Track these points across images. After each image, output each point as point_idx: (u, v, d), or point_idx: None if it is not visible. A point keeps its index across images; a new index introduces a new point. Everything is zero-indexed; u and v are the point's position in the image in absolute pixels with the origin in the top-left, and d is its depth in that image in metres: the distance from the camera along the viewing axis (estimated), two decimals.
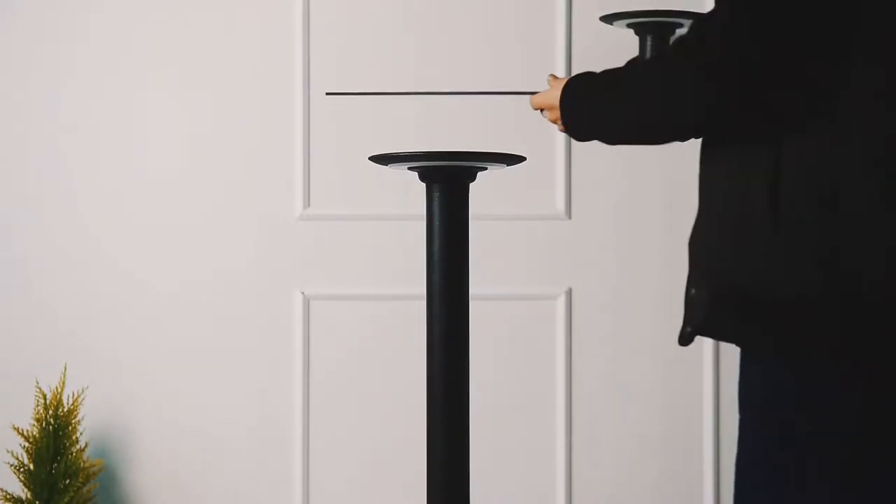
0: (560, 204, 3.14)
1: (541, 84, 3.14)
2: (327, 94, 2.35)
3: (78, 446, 3.04)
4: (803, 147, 1.66)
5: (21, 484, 3.02)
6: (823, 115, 1.66)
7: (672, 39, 3.03)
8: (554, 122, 1.97)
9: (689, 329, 1.77)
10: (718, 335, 1.76)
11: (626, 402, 3.15)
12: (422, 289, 2.23)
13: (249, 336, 3.16)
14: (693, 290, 1.79)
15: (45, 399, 3.02)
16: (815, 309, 1.64)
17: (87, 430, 3.14)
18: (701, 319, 1.74)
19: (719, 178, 1.74)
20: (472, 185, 2.22)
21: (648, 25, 2.99)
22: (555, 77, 2.01)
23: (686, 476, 3.14)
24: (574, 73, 3.11)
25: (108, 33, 3.17)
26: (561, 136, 3.11)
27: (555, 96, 1.93)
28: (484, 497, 3.03)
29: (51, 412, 3.00)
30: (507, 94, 2.12)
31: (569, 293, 3.15)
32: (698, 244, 1.78)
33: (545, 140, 3.12)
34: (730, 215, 1.71)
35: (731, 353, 3.02)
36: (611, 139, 1.87)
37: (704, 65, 1.65)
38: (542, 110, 2.01)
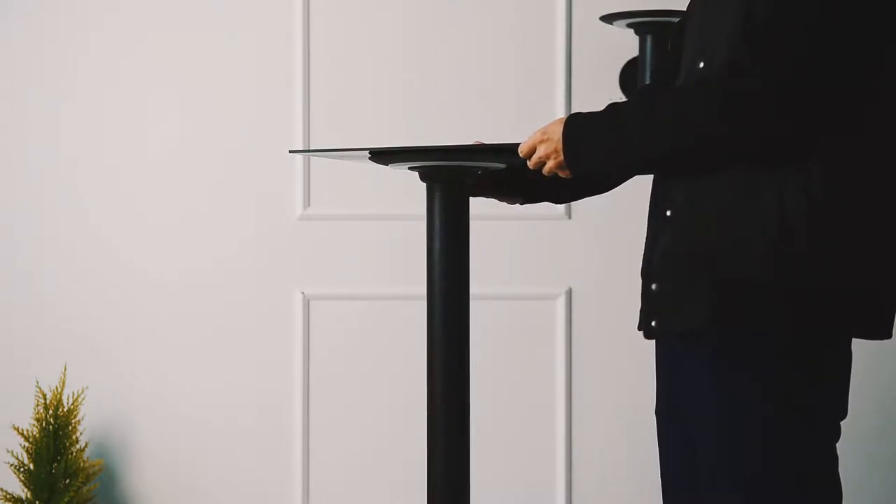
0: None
1: (539, 83, 3.15)
2: (290, 151, 2.33)
3: (78, 446, 3.04)
4: (832, 150, 1.74)
5: (21, 484, 3.02)
6: (851, 127, 1.74)
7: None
8: (544, 158, 1.91)
9: (653, 323, 1.83)
10: (728, 323, 1.78)
11: (625, 402, 3.15)
12: (422, 289, 2.23)
13: (250, 336, 3.16)
14: (655, 285, 1.83)
15: (45, 399, 3.02)
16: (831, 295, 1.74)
17: (87, 430, 3.14)
18: (708, 313, 1.76)
19: (727, 183, 1.76)
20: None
21: (648, 25, 3.00)
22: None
23: None
24: (574, 72, 3.13)
25: (110, 34, 3.17)
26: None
27: (554, 130, 1.89)
28: (484, 496, 3.03)
29: (51, 412, 3.01)
30: (488, 147, 2.08)
31: (569, 293, 3.15)
32: (696, 243, 1.79)
33: None
34: (754, 220, 1.75)
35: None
36: (646, 164, 1.87)
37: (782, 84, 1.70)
38: (531, 156, 1.95)
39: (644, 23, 2.99)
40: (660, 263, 1.85)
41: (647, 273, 1.88)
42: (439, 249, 2.17)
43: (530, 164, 1.95)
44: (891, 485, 3.14)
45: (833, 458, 1.81)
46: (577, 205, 3.15)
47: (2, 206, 3.19)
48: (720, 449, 1.82)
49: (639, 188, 3.28)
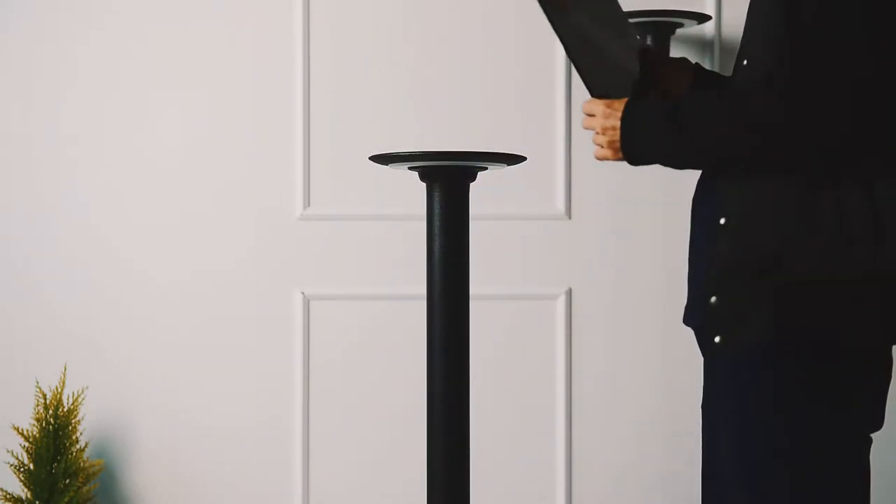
0: (560, 204, 3.14)
1: (539, 83, 3.15)
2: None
3: (78, 446, 3.04)
4: (890, 151, 1.73)
5: (21, 484, 3.02)
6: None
7: (672, 39, 3.04)
8: (602, 130, 1.90)
9: (717, 339, 1.80)
10: (798, 331, 1.76)
11: (626, 402, 3.15)
12: (422, 289, 2.23)
13: (249, 336, 3.16)
14: (714, 298, 1.79)
15: (45, 399, 3.02)
16: None
17: (87, 430, 3.14)
18: (773, 321, 1.74)
19: (784, 187, 1.75)
20: (472, 185, 2.22)
21: (648, 25, 3.00)
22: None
23: (686, 476, 3.14)
24: (574, 73, 3.12)
25: (109, 35, 3.17)
26: (561, 136, 3.12)
27: (617, 107, 1.88)
28: (484, 497, 3.03)
29: (51, 412, 3.00)
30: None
31: (569, 293, 3.15)
32: (756, 251, 1.77)
33: (545, 140, 3.12)
34: (815, 223, 1.73)
35: None
36: (697, 166, 1.86)
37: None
38: (591, 116, 1.93)
39: (644, 23, 2.99)
40: (718, 274, 1.82)
41: (702, 285, 1.85)
42: (439, 249, 2.17)
43: (583, 123, 1.93)
44: None
45: (854, 468, 1.79)
46: (577, 205, 3.15)
47: (2, 206, 3.19)
48: (734, 452, 1.81)
49: (639, 188, 3.29)
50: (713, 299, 1.80)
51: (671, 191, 3.09)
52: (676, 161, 1.86)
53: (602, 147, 1.90)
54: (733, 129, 1.76)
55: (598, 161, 1.97)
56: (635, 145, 1.86)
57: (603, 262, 3.15)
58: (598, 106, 1.90)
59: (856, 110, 1.69)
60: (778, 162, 1.75)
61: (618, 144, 1.87)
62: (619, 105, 1.87)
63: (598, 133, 1.90)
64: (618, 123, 1.86)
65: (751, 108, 1.74)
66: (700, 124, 1.79)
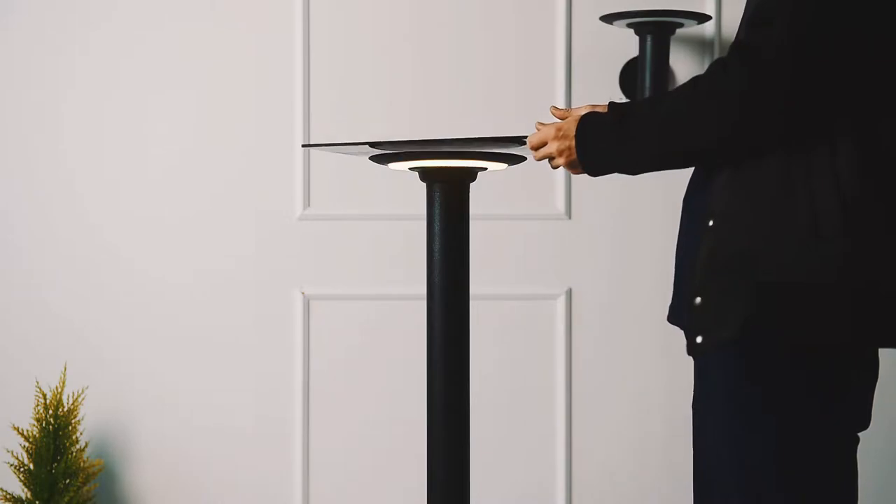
0: (560, 204, 3.14)
1: (539, 82, 3.15)
2: (303, 145, 2.34)
3: (78, 446, 3.04)
4: (861, 147, 1.72)
5: (21, 484, 3.02)
6: (875, 120, 1.73)
7: (672, 39, 3.04)
8: (556, 153, 1.96)
9: (699, 339, 1.79)
10: (765, 333, 1.76)
11: (626, 402, 3.15)
12: (422, 289, 2.23)
13: (249, 335, 3.17)
14: (699, 299, 1.79)
15: (45, 399, 3.02)
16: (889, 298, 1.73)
17: (87, 430, 3.14)
18: (749, 320, 1.75)
19: (761, 185, 1.75)
20: (472, 185, 2.22)
21: (648, 25, 3.00)
22: (556, 108, 2.02)
23: (685, 475, 3.13)
24: (574, 72, 3.13)
25: (109, 35, 3.18)
26: None
27: (570, 128, 1.93)
28: (484, 496, 3.03)
29: (51, 412, 3.01)
30: (500, 140, 2.10)
31: (569, 293, 3.15)
32: (735, 250, 1.77)
33: None
34: (788, 220, 1.73)
35: None
36: (655, 166, 1.87)
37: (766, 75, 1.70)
38: (543, 146, 1.99)
39: (644, 23, 2.99)
40: (701, 275, 1.82)
41: (688, 285, 1.85)
42: (440, 249, 2.17)
43: (536, 156, 1.99)
44: None
45: (840, 467, 1.80)
46: (577, 205, 3.15)
47: (2, 206, 3.19)
48: (722, 451, 1.81)
49: (638, 188, 3.29)
50: (698, 300, 1.81)
51: (671, 191, 3.09)
52: (632, 168, 1.90)
53: (563, 167, 1.97)
54: (672, 128, 1.79)
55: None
56: (593, 161, 1.91)
57: (603, 262, 3.15)
58: (550, 130, 1.96)
59: (770, 107, 1.70)
60: (737, 154, 1.77)
61: (577, 162, 1.93)
62: (571, 125, 1.93)
63: (555, 157, 1.96)
64: (573, 143, 1.92)
65: (688, 104, 1.77)
66: (645, 129, 1.82)
